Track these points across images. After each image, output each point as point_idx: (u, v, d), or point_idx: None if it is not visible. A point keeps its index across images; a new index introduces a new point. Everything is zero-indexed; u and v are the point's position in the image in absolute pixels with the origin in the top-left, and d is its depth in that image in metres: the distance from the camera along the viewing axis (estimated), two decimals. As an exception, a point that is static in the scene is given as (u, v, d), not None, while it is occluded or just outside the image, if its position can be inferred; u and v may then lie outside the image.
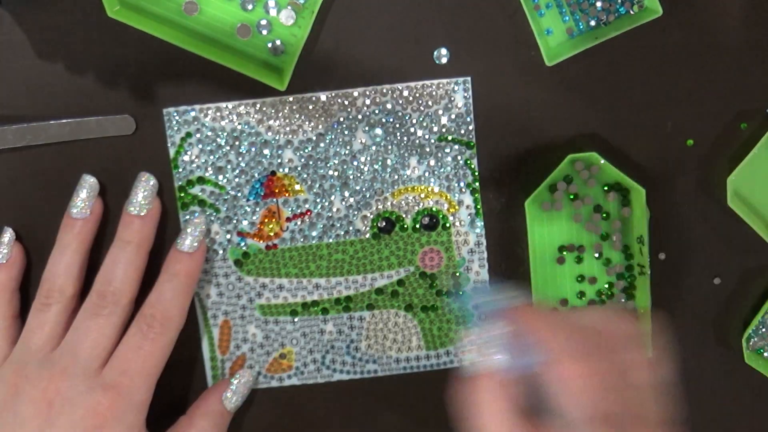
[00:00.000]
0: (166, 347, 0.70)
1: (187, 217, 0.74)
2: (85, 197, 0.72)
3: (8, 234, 0.73)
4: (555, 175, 0.73)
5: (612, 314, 0.64)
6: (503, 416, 0.60)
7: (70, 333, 0.70)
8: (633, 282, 0.76)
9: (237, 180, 0.74)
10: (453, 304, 0.74)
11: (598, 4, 0.72)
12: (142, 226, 0.71)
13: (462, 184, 0.75)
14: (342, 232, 0.75)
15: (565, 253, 0.76)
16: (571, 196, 0.75)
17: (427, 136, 0.74)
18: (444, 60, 0.73)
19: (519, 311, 0.62)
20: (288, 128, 0.73)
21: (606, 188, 0.75)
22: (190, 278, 0.72)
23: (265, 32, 0.72)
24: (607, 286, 0.76)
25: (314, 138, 0.73)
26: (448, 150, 0.74)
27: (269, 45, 0.72)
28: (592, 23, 0.73)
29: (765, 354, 0.77)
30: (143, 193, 0.72)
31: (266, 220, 0.74)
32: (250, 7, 0.71)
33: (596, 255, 0.76)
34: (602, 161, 0.73)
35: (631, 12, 0.72)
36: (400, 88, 0.73)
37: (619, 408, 0.59)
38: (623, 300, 0.76)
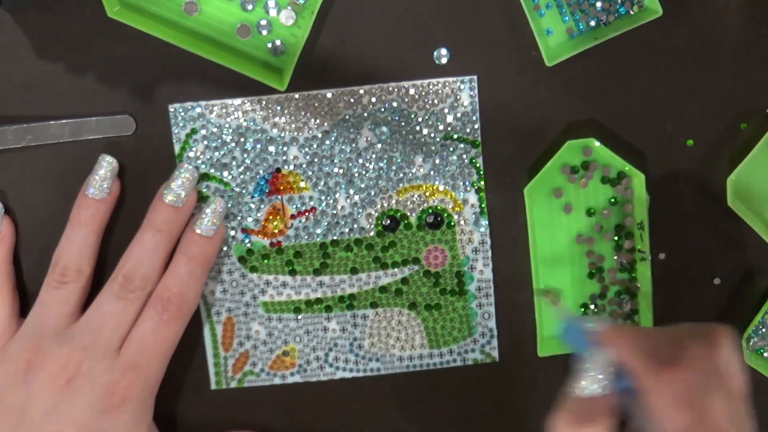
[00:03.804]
0: (181, 329, 0.71)
1: (209, 194, 0.74)
2: (102, 177, 0.71)
3: None
4: (554, 160, 0.73)
5: (702, 325, 0.66)
6: None
7: (91, 312, 0.70)
8: (634, 266, 0.76)
9: (242, 177, 0.74)
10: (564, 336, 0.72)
11: (598, 4, 0.73)
12: (176, 216, 0.71)
13: (467, 183, 0.75)
14: (346, 230, 0.75)
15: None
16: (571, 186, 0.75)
17: (432, 135, 0.74)
18: (444, 60, 0.73)
19: (604, 336, 0.64)
20: (293, 125, 0.73)
21: (604, 178, 0.75)
22: (207, 262, 0.72)
23: (265, 32, 0.72)
24: (607, 273, 0.77)
25: (319, 135, 0.74)
26: (453, 148, 0.74)
27: (269, 45, 0.72)
28: (592, 23, 0.73)
29: (765, 354, 0.78)
30: (182, 184, 0.72)
31: (271, 217, 0.74)
32: (250, 7, 0.72)
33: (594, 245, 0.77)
34: (597, 143, 0.73)
35: (631, 12, 0.73)
36: (406, 86, 0.73)
37: (712, 420, 0.61)
38: (624, 291, 0.77)
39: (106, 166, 0.71)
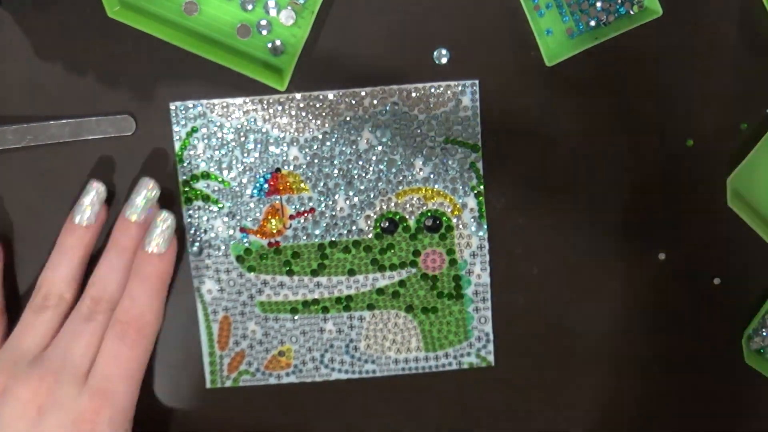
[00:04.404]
0: (146, 350, 0.70)
1: (162, 213, 0.73)
2: (90, 203, 0.71)
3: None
4: None
5: None
6: None
7: (61, 336, 0.69)
8: None
9: (242, 176, 0.74)
10: None
11: (598, 4, 0.73)
12: (139, 232, 0.71)
13: (466, 187, 0.75)
14: (345, 232, 0.75)
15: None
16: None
17: (433, 138, 0.74)
18: (444, 60, 0.73)
19: None
20: (294, 126, 0.73)
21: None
22: (161, 280, 0.71)
23: (265, 32, 0.72)
24: None
25: (320, 136, 0.74)
26: (453, 152, 0.74)
27: (269, 45, 0.72)
28: (592, 23, 0.73)
29: (765, 354, 0.78)
30: (143, 199, 0.71)
31: (269, 217, 0.74)
32: (250, 7, 0.72)
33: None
34: None
35: (631, 12, 0.73)
36: (408, 89, 0.73)
37: None
38: None
39: (94, 193, 0.71)
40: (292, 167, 0.74)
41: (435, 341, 0.77)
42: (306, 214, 0.75)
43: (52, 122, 0.73)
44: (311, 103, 0.73)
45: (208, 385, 0.76)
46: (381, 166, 0.74)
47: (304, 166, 0.74)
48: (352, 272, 0.76)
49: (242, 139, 0.73)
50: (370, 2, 0.73)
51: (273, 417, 0.77)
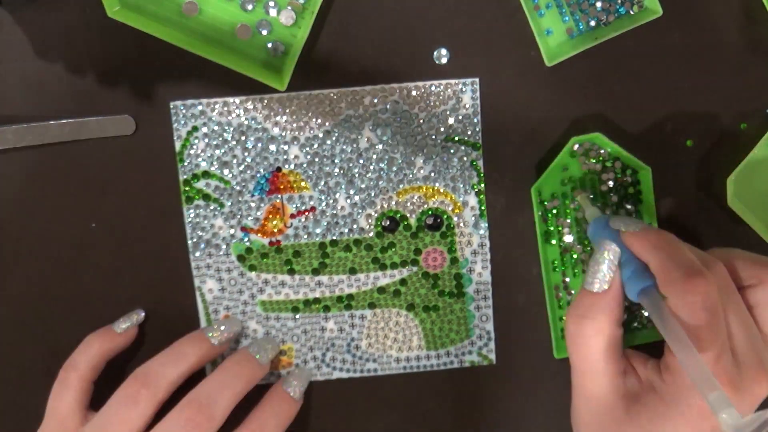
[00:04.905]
0: None
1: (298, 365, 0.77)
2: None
3: (139, 315, 0.75)
4: (561, 157, 0.73)
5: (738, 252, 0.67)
6: (600, 354, 0.64)
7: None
8: None
9: (242, 175, 0.74)
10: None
11: (598, 4, 0.73)
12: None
13: (467, 185, 0.75)
14: (346, 230, 0.75)
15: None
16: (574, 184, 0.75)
17: (433, 137, 0.74)
18: (444, 60, 0.73)
19: (627, 237, 0.65)
20: (295, 124, 0.73)
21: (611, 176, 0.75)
22: (288, 422, 0.72)
23: (265, 32, 0.72)
24: None
25: (321, 135, 0.74)
26: (453, 150, 0.74)
27: (269, 45, 0.72)
28: (592, 23, 0.73)
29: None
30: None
31: (270, 216, 0.74)
32: (250, 7, 0.72)
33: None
34: (602, 137, 0.73)
35: (631, 12, 0.73)
36: (408, 87, 0.73)
37: (742, 338, 0.61)
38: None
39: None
40: (292, 166, 0.74)
41: (436, 340, 0.77)
42: (307, 213, 0.75)
43: (52, 122, 0.72)
44: (311, 102, 0.73)
45: (210, 385, 0.76)
46: (382, 165, 0.74)
47: (305, 165, 0.74)
48: (353, 271, 0.76)
49: (243, 137, 0.73)
50: (370, 2, 0.72)
51: (274, 416, 0.77)
